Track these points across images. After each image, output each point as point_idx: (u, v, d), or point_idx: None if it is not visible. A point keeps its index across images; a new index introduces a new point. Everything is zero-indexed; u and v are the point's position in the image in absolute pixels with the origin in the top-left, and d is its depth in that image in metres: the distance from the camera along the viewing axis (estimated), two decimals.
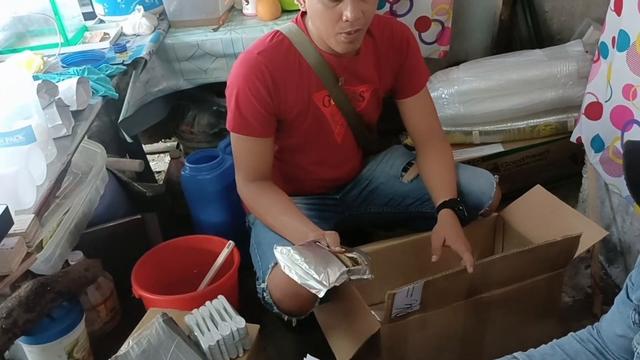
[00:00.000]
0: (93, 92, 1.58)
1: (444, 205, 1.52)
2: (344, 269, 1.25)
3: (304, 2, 1.43)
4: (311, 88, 1.52)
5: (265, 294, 1.44)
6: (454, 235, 1.44)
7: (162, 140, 2.73)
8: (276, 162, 1.62)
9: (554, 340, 1.21)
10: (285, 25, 1.54)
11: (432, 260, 1.43)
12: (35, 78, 1.50)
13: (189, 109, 2.32)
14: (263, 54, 1.46)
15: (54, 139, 1.37)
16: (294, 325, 1.48)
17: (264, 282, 1.44)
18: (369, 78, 1.58)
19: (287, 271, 1.26)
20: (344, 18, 1.36)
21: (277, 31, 1.52)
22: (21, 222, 1.07)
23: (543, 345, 1.20)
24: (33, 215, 1.10)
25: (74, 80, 1.50)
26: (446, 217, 1.50)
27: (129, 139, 2.02)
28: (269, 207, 1.51)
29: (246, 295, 1.72)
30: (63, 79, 1.55)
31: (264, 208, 1.51)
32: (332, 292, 1.48)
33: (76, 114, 1.50)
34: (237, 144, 1.52)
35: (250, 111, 1.46)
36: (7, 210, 1.03)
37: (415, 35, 2.09)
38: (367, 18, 1.40)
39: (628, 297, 1.09)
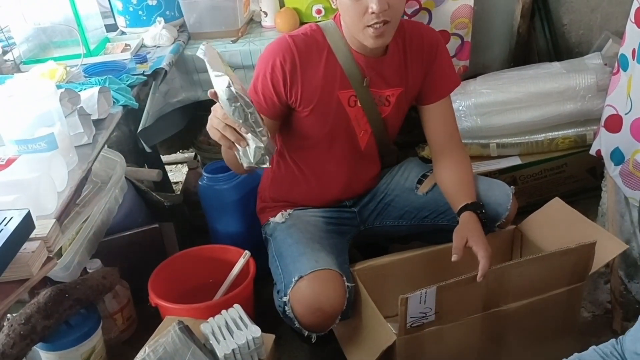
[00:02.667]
0: (114, 102, 1.61)
1: (466, 208, 1.51)
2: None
3: None
4: (337, 84, 1.52)
5: (286, 308, 1.43)
6: (476, 237, 1.43)
7: (180, 151, 2.75)
8: (301, 166, 1.64)
9: (575, 354, 1.19)
10: (326, 20, 1.57)
11: (452, 259, 1.41)
12: (58, 87, 1.52)
13: (207, 120, 2.33)
14: (294, 37, 1.50)
15: (75, 146, 1.39)
16: (313, 341, 1.48)
17: (285, 295, 1.43)
18: (395, 81, 1.57)
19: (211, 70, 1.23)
20: (370, 10, 1.37)
21: (315, 24, 1.55)
22: (42, 227, 1.08)
23: None
24: (54, 220, 1.12)
25: (95, 90, 1.52)
26: (469, 218, 1.48)
27: (147, 149, 2.04)
28: None
29: (262, 306, 1.71)
30: (85, 89, 1.58)
31: None
32: (351, 310, 1.49)
33: (97, 123, 1.52)
34: None
35: (262, 90, 1.50)
36: (29, 214, 1.05)
37: None
38: (394, 11, 1.40)
39: None
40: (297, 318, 1.42)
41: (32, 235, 1.06)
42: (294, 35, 1.51)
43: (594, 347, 1.18)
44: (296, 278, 1.41)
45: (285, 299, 1.43)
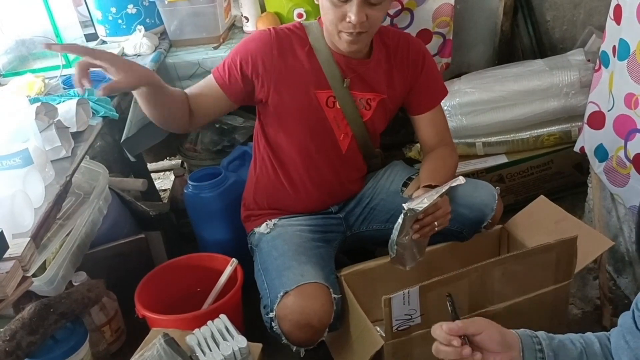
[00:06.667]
0: (93, 113, 1.59)
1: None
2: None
3: None
4: (315, 82, 1.52)
5: (273, 324, 1.42)
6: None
7: (167, 158, 2.73)
8: (284, 171, 1.62)
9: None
10: (312, 21, 1.58)
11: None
12: (36, 100, 1.50)
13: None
14: (277, 30, 1.53)
15: (54, 160, 1.38)
16: (302, 355, 1.47)
17: (272, 311, 1.41)
18: (377, 86, 1.57)
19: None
20: (348, 19, 1.38)
21: (300, 22, 1.56)
22: (17, 246, 1.07)
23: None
24: (29, 239, 1.10)
25: (73, 102, 1.50)
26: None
27: (132, 158, 2.03)
28: None
29: (251, 313, 1.70)
30: (64, 101, 1.56)
31: None
32: (339, 321, 1.49)
33: (76, 135, 1.50)
34: (205, 79, 1.53)
35: (231, 65, 1.49)
36: (1, 234, 1.03)
37: None
38: (371, 23, 1.41)
39: (637, 327, 0.96)
40: (284, 334, 1.41)
41: (6, 255, 1.05)
42: (277, 28, 1.54)
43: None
44: (282, 293, 1.40)
45: (271, 314, 1.41)
